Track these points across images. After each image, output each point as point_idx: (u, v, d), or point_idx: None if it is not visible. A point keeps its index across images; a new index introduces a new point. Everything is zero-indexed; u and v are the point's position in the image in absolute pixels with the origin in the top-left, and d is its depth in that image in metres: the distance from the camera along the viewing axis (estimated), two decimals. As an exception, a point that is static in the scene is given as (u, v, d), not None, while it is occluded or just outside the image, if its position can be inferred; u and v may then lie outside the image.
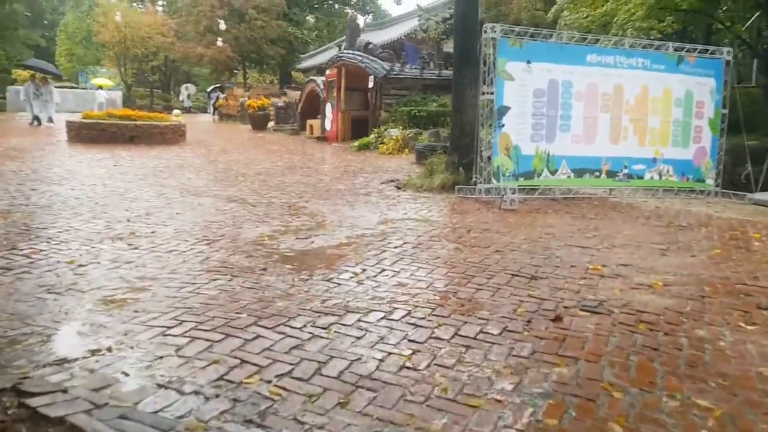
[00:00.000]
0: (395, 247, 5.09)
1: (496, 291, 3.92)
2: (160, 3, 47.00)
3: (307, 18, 40.07)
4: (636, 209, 7.56)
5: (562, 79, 8.16)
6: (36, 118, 19.57)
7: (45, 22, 49.62)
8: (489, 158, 7.84)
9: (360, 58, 15.72)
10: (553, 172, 8.23)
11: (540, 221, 6.61)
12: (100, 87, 26.27)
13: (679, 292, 4.05)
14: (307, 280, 4.03)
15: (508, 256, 4.93)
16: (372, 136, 14.97)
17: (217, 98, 28.94)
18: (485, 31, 7.64)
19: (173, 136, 14.46)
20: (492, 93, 7.68)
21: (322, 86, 17.87)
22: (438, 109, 14.95)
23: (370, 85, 15.60)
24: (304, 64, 30.69)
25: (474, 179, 8.13)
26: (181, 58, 36.25)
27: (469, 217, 6.77)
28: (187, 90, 39.17)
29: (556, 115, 8.17)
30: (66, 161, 10.51)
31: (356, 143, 14.82)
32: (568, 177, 8.36)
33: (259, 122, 21.74)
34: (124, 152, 12.26)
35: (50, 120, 19.80)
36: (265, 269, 4.25)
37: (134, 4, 41.91)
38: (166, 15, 39.01)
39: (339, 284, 3.95)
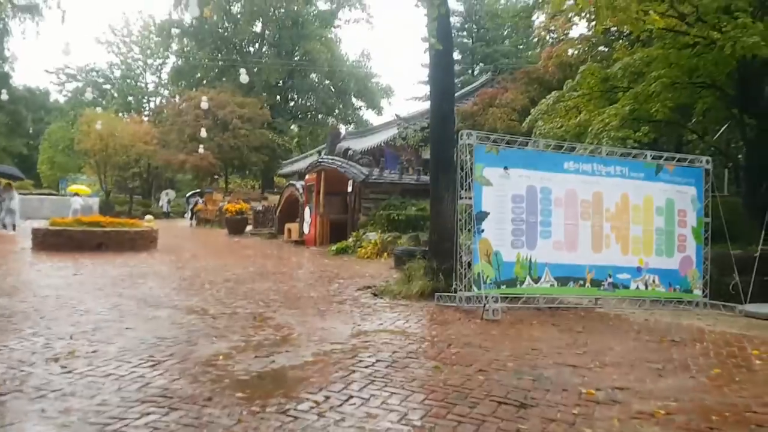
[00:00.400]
0: (366, 367, 4.54)
1: (481, 424, 3.36)
2: (146, 113, 48.47)
3: (290, 127, 41.33)
4: (625, 322, 7.12)
5: (540, 185, 8.02)
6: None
7: (30, 131, 50.52)
8: (469, 264, 7.47)
9: (339, 162, 15.81)
10: (536, 280, 7.85)
11: (525, 334, 6.12)
12: (77, 193, 26.07)
13: (686, 423, 3.53)
14: (258, 413, 3.43)
15: (493, 376, 4.39)
16: (350, 239, 14.68)
17: (196, 203, 28.87)
18: (462, 137, 7.57)
19: (143, 242, 13.99)
20: (470, 198, 7.47)
21: (301, 190, 17.82)
22: (417, 213, 14.81)
23: (349, 189, 15.56)
24: (286, 170, 31.13)
25: (454, 286, 7.70)
26: (164, 165, 36.63)
27: (449, 328, 6.26)
28: (167, 195, 39.27)
29: (536, 221, 7.94)
30: (23, 270, 9.91)
31: (334, 247, 14.47)
32: (552, 285, 7.97)
33: (236, 226, 21.46)
34: (89, 260, 11.70)
35: (14, 227, 19.17)
36: (210, 399, 3.65)
37: (120, 114, 43.03)
38: (151, 124, 39.91)
39: (295, 418, 3.37)
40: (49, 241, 13.01)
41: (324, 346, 5.22)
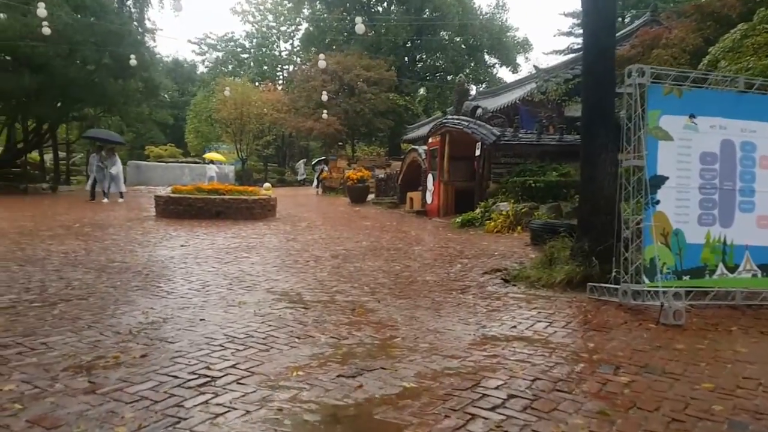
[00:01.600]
0: (493, 408, 3.03)
1: None
2: (280, 81, 49.64)
3: (418, 90, 39.81)
4: None
5: (740, 140, 5.82)
6: (93, 192, 18.11)
7: (182, 100, 54.16)
8: (638, 247, 5.56)
9: (466, 123, 14.07)
10: (731, 269, 5.74)
11: (725, 348, 4.22)
12: (212, 161, 26.87)
13: None
14: None
15: (701, 441, 2.68)
16: (478, 210, 13.00)
17: (321, 171, 28.61)
18: (629, 75, 5.58)
19: (261, 210, 13.45)
20: (640, 158, 5.50)
21: (423, 156, 16.36)
22: (559, 179, 12.74)
23: (477, 152, 13.80)
24: (411, 135, 29.78)
25: (614, 274, 5.84)
26: (295, 133, 37.07)
27: (612, 337, 4.51)
28: (304, 164, 40.20)
29: (734, 189, 5.78)
30: (133, 241, 9.56)
31: (459, 219, 12.91)
32: (755, 276, 5.82)
33: (357, 195, 20.61)
34: (203, 229, 11.28)
35: (121, 195, 18.60)
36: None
37: (256, 83, 44.29)
38: (283, 92, 40.56)
39: None
40: (170, 209, 12.89)
41: (433, 361, 3.78)
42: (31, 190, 20.57)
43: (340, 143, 35.63)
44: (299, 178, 38.18)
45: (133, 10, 27.26)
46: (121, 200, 18.15)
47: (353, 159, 33.93)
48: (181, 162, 33.14)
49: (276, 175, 41.03)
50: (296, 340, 4.21)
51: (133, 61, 20.26)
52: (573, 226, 9.53)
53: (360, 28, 17.72)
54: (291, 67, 50.17)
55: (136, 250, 8.39)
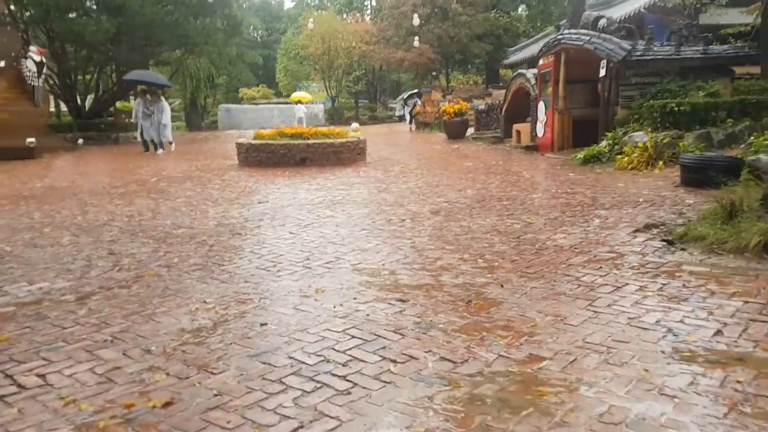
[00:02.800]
0: None
1: None
2: (368, 11, 47.29)
3: (518, 9, 36.08)
4: None
5: None
6: (145, 142, 16.23)
7: (272, 39, 53.48)
8: None
9: (587, 37, 11.68)
10: None
11: None
12: (299, 101, 25.79)
13: None
14: None
15: None
16: (604, 143, 10.86)
17: (414, 105, 26.65)
18: None
19: (350, 154, 12.11)
20: None
21: (533, 81, 14.12)
22: (707, 101, 10.28)
23: (602, 73, 11.48)
24: (512, 59, 26.87)
25: None
26: (383, 64, 35.12)
27: None
28: (402, 99, 38.28)
29: None
30: (207, 199, 8.57)
31: (580, 154, 10.86)
32: None
33: (455, 130, 18.69)
34: (286, 180, 10.14)
35: (170, 143, 16.45)
36: None
37: (343, 15, 42.37)
38: (372, 22, 38.45)
39: None
40: (252, 157, 11.88)
41: (611, 412, 2.25)
42: (122, 140, 20.46)
43: (434, 73, 33.25)
44: (398, 114, 36.37)
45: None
46: (159, 152, 15.80)
47: (447, 90, 31.61)
48: (271, 103, 32.50)
49: (367, 112, 39.61)
50: (391, 367, 2.82)
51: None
52: (738, 160, 7.41)
53: None
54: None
55: (208, 210, 7.35)
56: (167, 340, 3.21)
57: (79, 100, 22.65)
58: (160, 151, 15.90)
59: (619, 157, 9.94)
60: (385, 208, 7.27)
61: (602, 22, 12.02)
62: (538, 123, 13.61)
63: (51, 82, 20.81)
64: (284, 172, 10.98)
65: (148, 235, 5.97)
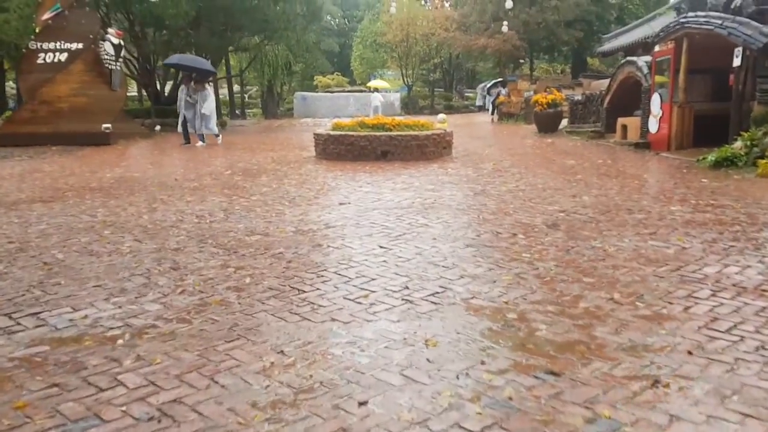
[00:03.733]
0: None
1: None
2: (447, -1, 45.68)
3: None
4: None
5: None
6: (186, 134, 14.72)
7: (348, 27, 52.94)
8: None
9: (719, 21, 9.97)
10: None
11: None
12: (376, 90, 24.84)
13: None
14: None
15: None
16: (738, 143, 9.22)
17: (498, 94, 25.07)
18: None
19: (435, 148, 11.03)
20: None
21: (646, 70, 12.44)
22: None
23: (736, 62, 9.78)
24: (606, 46, 24.72)
25: None
26: (463, 52, 33.58)
27: None
28: (484, 88, 36.67)
29: None
30: (284, 196, 7.76)
31: (711, 156, 9.27)
32: None
33: (548, 123, 17.16)
34: (366, 176, 9.18)
35: (216, 136, 15.04)
36: None
37: (424, 1, 41.08)
38: (452, 8, 36.94)
39: None
40: (330, 149, 11.03)
41: None
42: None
43: (520, 61, 31.39)
44: (478, 104, 34.81)
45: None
46: (199, 144, 14.39)
47: (532, 79, 29.75)
48: (346, 91, 31.82)
49: (443, 101, 38.24)
50: None
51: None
52: None
53: None
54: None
55: (285, 212, 6.49)
56: (230, 423, 2.28)
57: (158, 86, 22.70)
58: (200, 143, 14.42)
59: (762, 162, 8.34)
60: (487, 216, 6.15)
61: (737, 2, 10.25)
62: (651, 117, 11.98)
63: (131, 66, 20.83)
64: (365, 166, 10.04)
65: (218, 242, 5.16)
